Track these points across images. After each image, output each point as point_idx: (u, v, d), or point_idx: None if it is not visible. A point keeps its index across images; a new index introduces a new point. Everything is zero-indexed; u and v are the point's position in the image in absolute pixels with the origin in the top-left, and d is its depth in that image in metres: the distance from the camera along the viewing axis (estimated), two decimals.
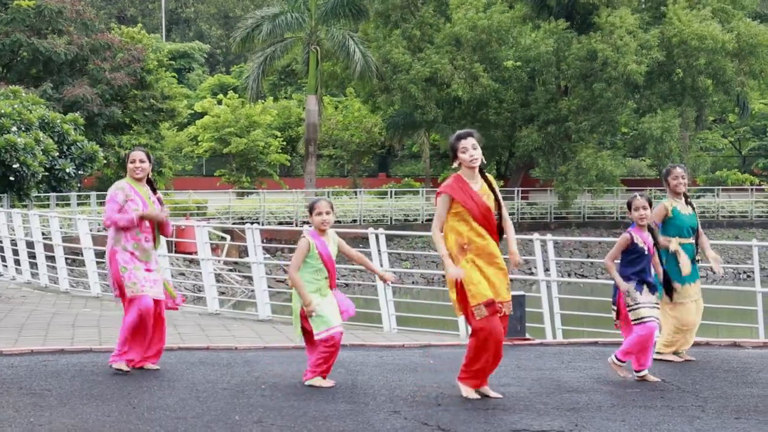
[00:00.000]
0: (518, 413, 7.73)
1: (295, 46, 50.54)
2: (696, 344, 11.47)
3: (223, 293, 28.88)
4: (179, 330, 13.35)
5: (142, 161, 9.48)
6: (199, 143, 58.08)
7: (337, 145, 60.41)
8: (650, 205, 9.39)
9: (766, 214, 53.06)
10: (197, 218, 40.63)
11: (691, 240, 10.37)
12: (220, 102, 58.91)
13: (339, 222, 44.88)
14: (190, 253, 30.04)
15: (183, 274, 28.47)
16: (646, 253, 9.25)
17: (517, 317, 11.97)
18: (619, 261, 9.35)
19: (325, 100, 57.27)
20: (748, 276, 42.79)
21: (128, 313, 9.32)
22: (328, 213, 8.77)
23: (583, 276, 42.05)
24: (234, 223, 40.72)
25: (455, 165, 8.32)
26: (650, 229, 9.38)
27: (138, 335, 9.40)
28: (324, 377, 8.75)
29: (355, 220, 46.43)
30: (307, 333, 8.80)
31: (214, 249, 34.11)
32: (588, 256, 43.21)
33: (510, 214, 49.92)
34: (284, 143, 59.54)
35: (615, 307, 9.42)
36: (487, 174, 8.36)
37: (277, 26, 47.82)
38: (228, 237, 36.32)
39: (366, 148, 60.91)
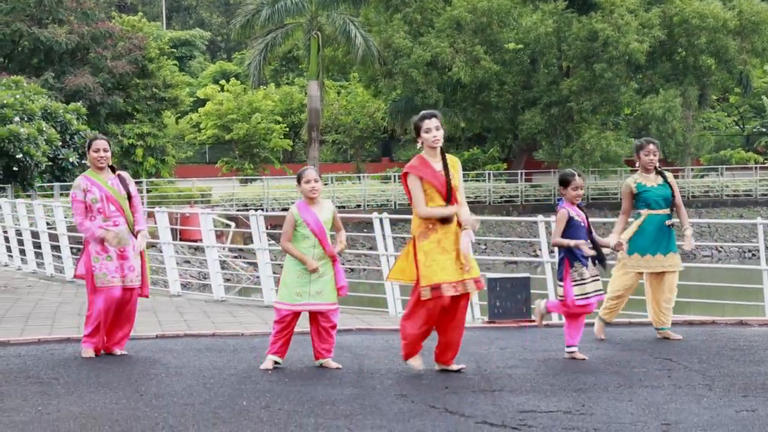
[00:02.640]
0: (525, 394, 7.74)
1: (296, 31, 50.42)
2: (702, 323, 11.49)
3: (228, 280, 28.90)
4: (185, 317, 13.37)
5: (105, 150, 9.54)
6: (202, 130, 58.01)
7: (340, 130, 60.32)
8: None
9: None
10: (201, 206, 40.65)
11: (665, 210, 10.33)
12: (222, 89, 58.82)
13: (343, 207, 44.89)
14: (195, 241, 30.06)
15: (188, 262, 28.49)
16: (582, 225, 9.34)
17: (522, 299, 11.98)
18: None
19: (327, 84, 57.16)
20: (753, 254, 42.76)
21: (95, 303, 9.40)
22: (316, 181, 8.86)
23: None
24: (238, 210, 40.73)
25: (419, 145, 8.62)
26: (578, 205, 9.46)
27: (105, 324, 9.52)
28: (275, 355, 8.85)
29: (359, 205, 46.44)
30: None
31: (219, 236, 34.13)
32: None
33: (514, 196, 50.08)
34: (287, 129, 59.46)
35: (561, 284, 9.41)
36: (447, 155, 8.59)
37: (277, 12, 47.67)
38: (232, 224, 36.34)
39: (369, 133, 60.82)
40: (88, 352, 9.43)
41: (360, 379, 8.36)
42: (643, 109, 47.96)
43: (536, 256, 38.14)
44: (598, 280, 9.32)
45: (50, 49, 47.28)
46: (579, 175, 9.46)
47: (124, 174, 9.74)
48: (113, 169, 9.64)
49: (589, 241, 9.32)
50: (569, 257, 9.28)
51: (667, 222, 10.34)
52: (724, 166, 56.01)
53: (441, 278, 8.32)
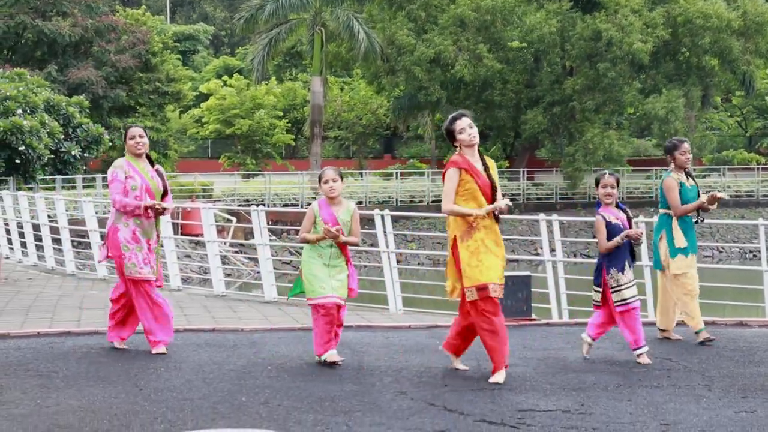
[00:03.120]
0: (524, 393, 7.73)
1: (299, 27, 50.44)
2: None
3: (229, 275, 28.86)
4: (185, 312, 13.37)
5: (141, 136, 9.51)
6: (204, 125, 58.01)
7: (343, 126, 60.31)
8: (618, 184, 9.38)
9: None
10: (203, 200, 40.65)
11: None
12: (225, 83, 58.84)
13: None
14: (196, 235, 30.05)
15: (189, 256, 28.49)
16: (621, 227, 9.23)
17: (523, 297, 11.97)
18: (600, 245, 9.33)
19: (330, 81, 57.17)
20: (755, 255, 42.74)
21: (138, 296, 9.42)
22: (335, 180, 8.88)
23: (588, 256, 42.01)
24: (239, 205, 40.69)
25: (457, 149, 8.44)
26: (618, 205, 9.35)
27: (119, 314, 9.61)
28: (330, 349, 8.79)
29: (360, 202, 46.42)
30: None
31: (220, 231, 34.10)
32: (594, 237, 43.14)
33: (516, 195, 50.05)
34: (289, 125, 59.47)
35: (599, 289, 9.32)
36: (485, 156, 8.48)
37: (281, 7, 47.70)
38: (234, 219, 36.32)
39: (371, 130, 60.81)
40: (117, 343, 9.58)
41: (359, 376, 8.36)
42: (645, 109, 47.93)
43: (537, 254, 38.15)
44: (634, 286, 9.22)
45: (54, 42, 47.29)
46: (610, 174, 9.30)
47: (162, 169, 9.75)
48: (150, 161, 9.61)
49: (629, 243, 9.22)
50: (606, 264, 9.22)
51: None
52: (726, 167, 55.98)
53: (488, 278, 8.16)
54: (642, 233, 9.30)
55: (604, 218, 9.23)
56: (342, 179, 9.00)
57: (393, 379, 8.25)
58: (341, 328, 9.00)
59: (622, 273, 9.17)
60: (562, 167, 49.98)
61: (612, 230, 9.20)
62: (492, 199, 8.30)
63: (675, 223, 10.26)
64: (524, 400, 7.50)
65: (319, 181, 8.98)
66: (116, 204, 9.36)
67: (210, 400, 7.40)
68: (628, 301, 9.14)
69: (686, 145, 10.36)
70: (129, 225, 9.39)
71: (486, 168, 8.37)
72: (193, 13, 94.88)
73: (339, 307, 8.84)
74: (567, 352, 9.61)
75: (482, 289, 8.13)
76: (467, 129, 8.35)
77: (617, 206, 9.33)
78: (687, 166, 10.34)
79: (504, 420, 6.88)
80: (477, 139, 8.35)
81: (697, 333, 10.14)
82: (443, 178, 8.42)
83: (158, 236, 9.65)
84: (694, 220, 10.37)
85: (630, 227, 9.25)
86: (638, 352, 9.07)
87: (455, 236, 8.28)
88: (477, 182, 8.27)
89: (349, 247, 9.07)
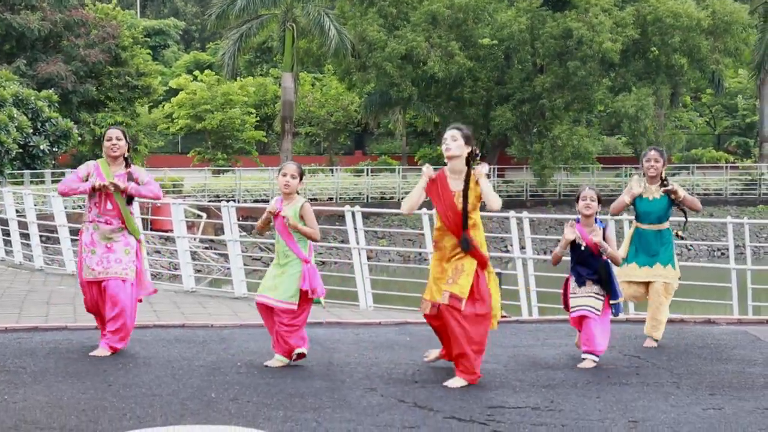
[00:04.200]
0: (494, 390, 7.75)
1: (270, 23, 50.30)
2: (670, 321, 11.52)
3: (199, 271, 28.79)
4: (155, 308, 13.31)
5: (119, 138, 9.35)
6: (175, 120, 57.77)
7: (314, 122, 60.24)
8: (599, 201, 9.16)
9: (741, 191, 53.33)
10: (173, 196, 40.48)
11: (654, 226, 10.05)
12: (195, 78, 58.58)
13: (315, 200, 44.78)
14: (166, 231, 29.94)
15: (158, 252, 28.37)
16: (582, 248, 9.06)
17: None
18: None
19: (301, 76, 57.03)
20: (722, 253, 43.04)
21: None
22: (293, 177, 8.72)
23: None
24: (210, 201, 40.58)
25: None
26: (596, 221, 9.17)
27: (98, 318, 9.52)
28: (276, 350, 8.72)
29: (331, 198, 46.40)
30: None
31: (190, 227, 34.01)
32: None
33: None
34: (259, 121, 59.30)
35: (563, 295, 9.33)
36: (474, 168, 8.27)
37: (252, 3, 47.56)
38: (204, 215, 36.21)
39: (342, 126, 60.77)
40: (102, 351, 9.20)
41: (329, 373, 8.35)
42: (615, 107, 48.11)
43: (507, 251, 38.25)
44: (588, 297, 9.01)
45: (22, 36, 46.91)
46: (590, 188, 9.19)
47: (136, 170, 9.46)
48: (128, 164, 9.43)
49: (598, 262, 9.05)
50: (572, 274, 9.20)
51: (677, 232, 10.23)
52: (695, 165, 56.31)
53: (429, 296, 8.23)
54: (600, 244, 9.00)
55: (575, 239, 9.08)
56: (302, 177, 8.80)
57: (363, 375, 8.25)
58: (291, 330, 8.61)
59: (576, 284, 9.13)
60: (530, 165, 50.09)
61: (575, 248, 9.12)
62: (460, 228, 8.15)
63: (630, 232, 10.28)
64: (494, 396, 7.52)
65: (278, 172, 8.88)
66: (59, 188, 9.32)
67: (179, 396, 7.38)
68: (576, 308, 9.07)
69: (651, 153, 10.14)
70: (89, 229, 9.35)
71: (466, 189, 8.18)
72: (163, 7, 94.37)
73: (277, 309, 8.60)
74: (537, 349, 9.64)
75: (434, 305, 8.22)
76: (448, 140, 8.23)
77: (596, 221, 9.18)
78: (650, 174, 10.20)
79: (473, 417, 6.90)
80: (452, 152, 8.17)
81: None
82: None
83: (137, 240, 9.48)
84: (674, 233, 10.25)
85: (596, 246, 8.99)
86: (583, 356, 8.92)
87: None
88: (437, 207, 8.23)
89: (315, 244, 9.01)
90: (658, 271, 10.06)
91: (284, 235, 8.71)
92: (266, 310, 8.72)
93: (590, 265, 9.05)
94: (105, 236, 9.28)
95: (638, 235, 10.11)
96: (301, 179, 8.78)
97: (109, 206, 9.27)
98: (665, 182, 10.10)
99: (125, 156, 9.42)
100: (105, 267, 9.23)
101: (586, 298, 9.00)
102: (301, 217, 8.71)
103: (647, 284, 10.11)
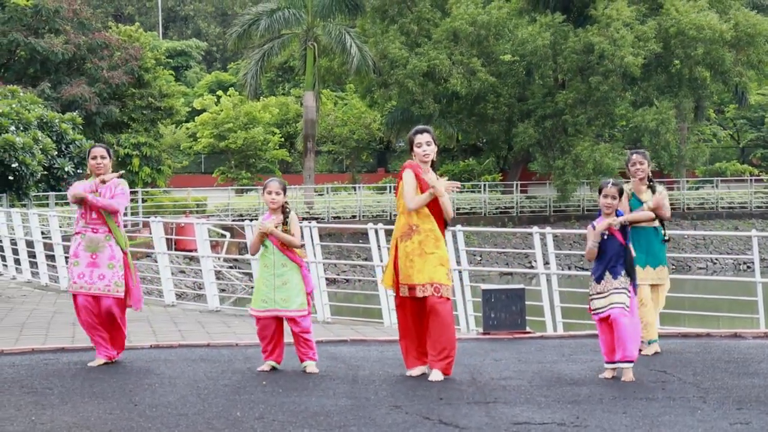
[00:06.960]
0: (519, 406, 7.73)
1: (292, 42, 50.46)
2: (697, 335, 11.50)
3: (223, 290, 28.87)
4: (180, 327, 13.36)
5: (103, 157, 9.64)
6: (198, 140, 58.01)
7: (336, 141, 60.36)
8: (621, 195, 9.26)
9: (765, 204, 53.06)
10: (197, 215, 40.62)
11: (649, 224, 10.22)
12: (219, 99, 58.83)
13: (338, 218, 44.86)
14: (190, 251, 30.03)
15: (183, 272, 28.46)
16: (608, 239, 9.09)
17: (517, 311, 11.96)
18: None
19: (323, 95, 57.14)
20: (748, 267, 42.79)
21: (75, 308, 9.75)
22: (278, 193, 9.27)
23: (583, 269, 42.05)
24: (233, 220, 40.68)
25: (414, 159, 8.95)
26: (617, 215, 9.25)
27: (92, 331, 9.62)
28: (270, 358, 9.32)
29: (354, 216, 46.41)
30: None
31: (214, 246, 34.10)
32: None
33: (509, 208, 50.01)
34: (282, 140, 59.48)
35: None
36: (435, 174, 8.94)
37: (274, 22, 47.74)
38: (228, 234, 36.31)
39: (364, 144, 60.85)
40: (95, 361, 9.60)
41: (354, 390, 8.35)
42: (636, 121, 47.98)
43: (531, 267, 38.16)
44: (608, 296, 9.02)
45: (47, 59, 47.23)
46: (614, 184, 9.17)
47: (111, 183, 9.65)
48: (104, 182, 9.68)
49: (626, 252, 9.10)
50: (592, 271, 9.21)
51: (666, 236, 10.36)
52: (719, 179, 56.06)
53: (418, 280, 8.73)
54: (613, 221, 9.05)
55: (594, 227, 9.17)
56: (285, 192, 9.34)
57: (388, 393, 8.25)
58: (307, 334, 9.26)
59: (597, 283, 9.14)
60: (552, 180, 50.00)
61: (602, 243, 9.15)
62: (439, 218, 8.84)
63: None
64: (519, 413, 7.50)
65: (263, 190, 9.34)
66: (69, 193, 9.66)
67: (204, 415, 7.39)
68: (597, 311, 9.10)
69: (634, 157, 10.39)
70: (76, 240, 9.63)
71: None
72: (186, 28, 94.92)
73: (290, 319, 9.23)
74: (562, 365, 9.61)
75: (412, 288, 8.76)
76: (424, 145, 8.82)
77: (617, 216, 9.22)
78: (638, 176, 10.32)
79: None
80: (430, 157, 8.80)
81: (648, 343, 10.22)
82: (399, 180, 8.93)
83: (124, 252, 9.59)
84: (663, 234, 10.36)
85: (624, 241, 9.16)
86: (622, 366, 8.87)
87: (396, 237, 8.88)
88: (422, 189, 8.79)
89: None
90: (661, 273, 10.39)
91: (278, 245, 9.25)
92: (275, 321, 9.26)
93: (607, 261, 9.08)
94: (91, 246, 9.52)
95: (638, 235, 10.16)
96: (284, 194, 9.36)
97: (94, 215, 9.56)
98: (652, 183, 10.40)
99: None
100: (88, 282, 9.50)
101: (609, 296, 9.00)
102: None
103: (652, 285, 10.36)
